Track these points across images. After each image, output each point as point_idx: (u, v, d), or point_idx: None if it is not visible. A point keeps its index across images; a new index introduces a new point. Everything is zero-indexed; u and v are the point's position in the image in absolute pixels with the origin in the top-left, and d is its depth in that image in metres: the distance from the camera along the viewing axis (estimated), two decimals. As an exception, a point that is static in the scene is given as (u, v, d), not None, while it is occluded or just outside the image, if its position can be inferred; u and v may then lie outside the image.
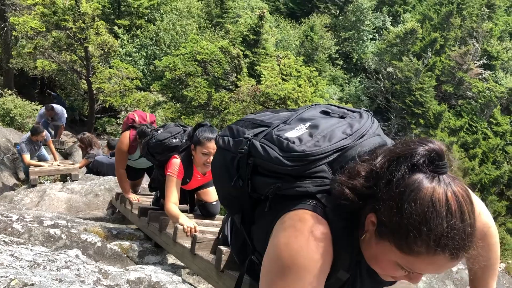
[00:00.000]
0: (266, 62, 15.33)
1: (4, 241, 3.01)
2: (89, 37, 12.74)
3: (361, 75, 25.56)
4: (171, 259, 3.78)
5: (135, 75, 14.58)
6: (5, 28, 15.56)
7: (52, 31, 12.86)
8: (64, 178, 8.27)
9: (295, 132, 1.35)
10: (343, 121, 1.38)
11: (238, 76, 15.01)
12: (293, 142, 1.30)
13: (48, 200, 6.34)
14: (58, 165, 8.14)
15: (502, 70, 24.68)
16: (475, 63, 23.30)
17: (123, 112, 15.96)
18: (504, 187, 18.27)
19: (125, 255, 3.68)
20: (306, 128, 1.36)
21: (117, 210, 5.75)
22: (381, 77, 23.47)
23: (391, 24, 27.91)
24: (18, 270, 2.27)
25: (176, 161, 3.53)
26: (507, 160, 19.66)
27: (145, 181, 5.93)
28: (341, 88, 24.33)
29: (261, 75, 13.65)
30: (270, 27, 22.10)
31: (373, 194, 1.15)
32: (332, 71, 24.67)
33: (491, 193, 17.59)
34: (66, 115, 11.49)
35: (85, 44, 12.87)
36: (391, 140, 1.40)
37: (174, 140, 3.86)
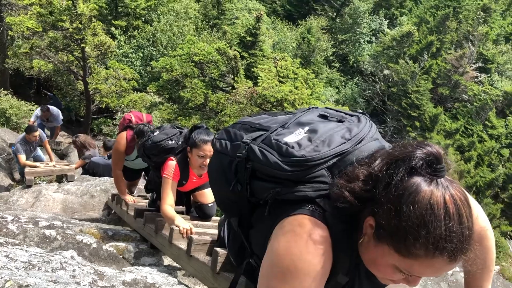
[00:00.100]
0: (263, 64, 15.34)
1: (-1, 242, 3.00)
2: (86, 37, 12.71)
3: (357, 78, 25.60)
4: (167, 261, 3.78)
5: (131, 76, 14.55)
6: (1, 28, 15.50)
7: (49, 31, 12.82)
8: (60, 178, 8.25)
9: (294, 137, 1.35)
10: (342, 125, 1.38)
11: (235, 78, 15.01)
12: (292, 147, 1.30)
13: (44, 201, 6.32)
14: (54, 166, 8.11)
15: (497, 74, 24.78)
16: (471, 66, 23.39)
17: (119, 113, 15.92)
18: (499, 190, 18.34)
19: (121, 257, 3.67)
20: (305, 133, 1.36)
21: (113, 211, 5.75)
22: (377, 79, 23.52)
23: (387, 27, 27.97)
24: (13, 271, 2.26)
25: (172, 163, 3.53)
26: (502, 163, 19.75)
27: (141, 182, 5.92)
28: (337, 90, 24.36)
29: (258, 77, 13.65)
30: (267, 29, 22.11)
31: (372, 197, 1.15)
32: (328, 74, 24.70)
33: (486, 196, 17.65)
34: (61, 116, 11.46)
35: (82, 45, 12.84)
36: (389, 144, 1.41)
37: (170, 142, 3.86)
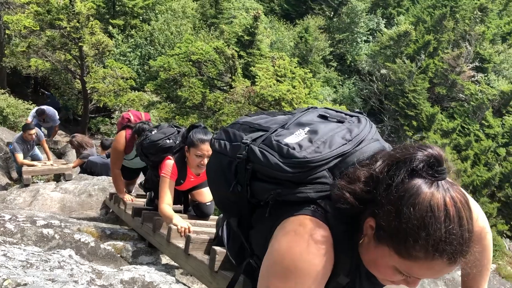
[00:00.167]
0: (261, 63, 15.34)
1: (-3, 241, 3.01)
2: (84, 36, 12.70)
3: (354, 77, 25.63)
4: (165, 259, 3.78)
5: (129, 75, 14.54)
6: (-2, 27, 15.49)
7: (46, 30, 12.81)
8: (58, 177, 8.25)
9: (295, 138, 1.35)
10: (342, 126, 1.38)
11: (233, 77, 15.02)
12: (293, 148, 1.30)
13: (41, 200, 6.32)
14: (52, 165, 8.11)
15: (494, 73, 24.83)
16: (467, 66, 23.44)
17: (117, 112, 15.90)
18: (495, 189, 18.38)
19: (119, 255, 3.68)
20: (305, 133, 1.35)
21: (110, 210, 5.74)
22: (374, 79, 23.55)
23: (385, 26, 28.00)
24: (11, 270, 2.27)
25: (169, 162, 3.54)
26: (499, 162, 19.79)
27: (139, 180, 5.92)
28: (335, 89, 24.38)
29: (256, 76, 13.66)
30: (265, 28, 22.12)
31: (373, 199, 1.15)
32: (326, 73, 24.72)
33: (482, 195, 17.69)
34: (58, 116, 11.42)
35: (80, 44, 12.83)
36: (389, 145, 1.42)
37: (168, 141, 3.87)
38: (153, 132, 4.01)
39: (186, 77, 15.12)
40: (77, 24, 12.41)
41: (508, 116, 21.67)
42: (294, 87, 12.64)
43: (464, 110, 22.33)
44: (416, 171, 1.11)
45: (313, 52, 23.46)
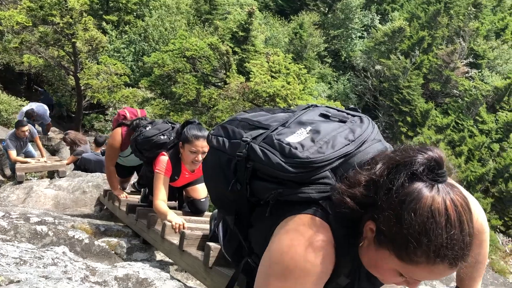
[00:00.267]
0: (255, 59, 15.32)
1: (-10, 238, 2.99)
2: (77, 32, 12.62)
3: (349, 73, 25.66)
4: (159, 256, 3.78)
5: (123, 71, 14.48)
6: (-9, 23, 15.35)
7: (39, 26, 12.72)
8: (51, 174, 8.21)
9: (296, 137, 1.33)
10: (344, 125, 1.36)
11: (227, 73, 14.98)
12: (296, 148, 1.28)
13: (35, 197, 6.29)
14: (45, 162, 8.08)
15: (488, 69, 24.94)
16: (461, 62, 23.52)
17: (111, 109, 15.84)
18: (489, 184, 18.50)
19: (113, 252, 3.66)
20: (307, 133, 1.34)
21: (105, 207, 5.73)
22: (369, 75, 23.59)
23: (379, 23, 28.04)
24: (4, 267, 2.25)
25: (164, 158, 3.52)
26: (493, 157, 19.91)
27: (133, 178, 5.90)
28: (329, 85, 24.40)
29: (250, 72, 13.63)
30: (259, 24, 22.08)
31: (373, 203, 1.14)
32: (320, 69, 24.73)
33: (476, 190, 17.80)
34: (48, 111, 11.32)
35: (73, 40, 12.76)
36: (391, 146, 1.41)
37: (162, 137, 3.86)
38: (147, 128, 4.00)
39: (180, 73, 15.07)
40: (70, 20, 12.33)
41: (502, 112, 21.79)
42: (288, 83, 12.63)
43: (458, 106, 22.43)
44: (417, 174, 1.09)
45: (308, 48, 23.45)
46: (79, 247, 3.46)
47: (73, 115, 16.48)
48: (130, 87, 15.72)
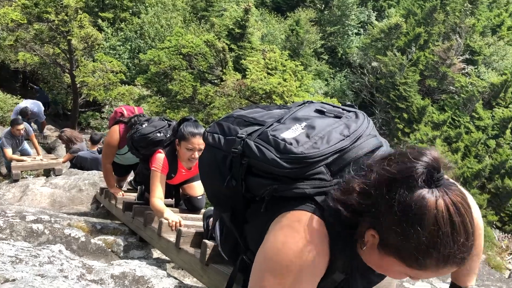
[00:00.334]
0: (252, 56, 15.29)
1: (-15, 236, 2.97)
2: (72, 30, 12.56)
3: (346, 70, 25.66)
4: (156, 254, 3.77)
5: (119, 68, 14.43)
6: (-15, 20, 15.24)
7: (34, 24, 12.65)
8: (48, 172, 8.18)
9: (291, 133, 1.33)
10: (339, 121, 1.36)
11: (224, 70, 14.95)
12: (290, 144, 1.28)
13: (31, 195, 6.27)
14: (41, 160, 8.04)
15: (484, 65, 24.98)
16: (458, 58, 23.55)
17: (107, 106, 15.80)
18: (485, 181, 18.55)
19: (110, 250, 3.65)
20: (302, 129, 1.34)
21: (101, 205, 5.71)
22: (365, 71, 23.60)
23: (375, 19, 28.03)
24: None
25: (160, 156, 3.52)
26: (489, 154, 19.96)
27: (129, 176, 5.89)
28: (326, 82, 24.40)
29: (247, 69, 13.61)
30: (256, 21, 22.04)
31: (370, 211, 1.13)
32: (317, 66, 24.72)
33: (473, 186, 17.85)
34: (42, 108, 11.24)
35: (68, 37, 12.69)
36: (386, 141, 1.40)
37: (158, 134, 3.84)
38: (143, 126, 3.98)
39: (176, 70, 15.03)
40: (65, 17, 12.27)
41: (498, 108, 21.84)
42: (285, 80, 12.61)
43: (454, 102, 22.47)
44: (416, 186, 1.08)
45: (304, 45, 23.43)
46: (75, 245, 3.45)
47: (69, 113, 16.43)
48: (126, 85, 15.67)
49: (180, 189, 4.04)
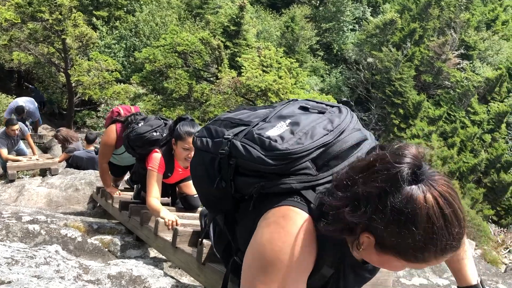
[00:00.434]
0: (247, 53, 15.28)
1: (-19, 238, 2.96)
2: (67, 29, 12.50)
3: (341, 66, 25.67)
4: (153, 253, 3.77)
5: (114, 67, 14.38)
6: (-21, 20, 15.15)
7: (28, 23, 12.58)
8: (44, 172, 8.15)
9: (276, 130, 1.34)
10: (323, 116, 1.38)
11: (219, 68, 14.93)
12: (275, 141, 1.29)
13: (27, 195, 6.24)
14: (37, 160, 8.01)
15: (479, 60, 25.05)
16: (453, 53, 23.60)
17: (103, 105, 15.76)
18: (481, 175, 18.63)
19: (106, 250, 3.65)
20: (287, 126, 1.35)
21: (98, 204, 5.70)
22: (361, 67, 23.61)
23: (370, 15, 28.04)
24: (-4, 268, 2.24)
25: (157, 155, 3.51)
26: (484, 148, 20.04)
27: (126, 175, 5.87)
28: (322, 79, 24.40)
29: (242, 67, 13.60)
30: (251, 18, 22.01)
31: (363, 220, 1.13)
32: (313, 62, 24.71)
33: (469, 181, 17.93)
34: (37, 105, 11.18)
35: (63, 36, 12.63)
36: (370, 133, 1.42)
37: (154, 133, 3.83)
38: (139, 125, 3.96)
39: (172, 68, 15.01)
40: (60, 16, 12.20)
41: (493, 103, 21.92)
42: (280, 77, 12.61)
43: (450, 97, 22.52)
44: (403, 186, 1.09)
45: (300, 41, 23.42)
46: (72, 246, 3.45)
47: (65, 112, 16.36)
48: (122, 83, 15.63)
49: (177, 188, 4.04)
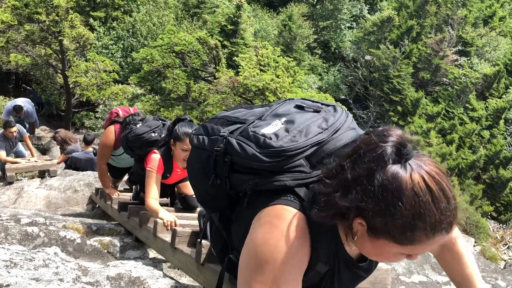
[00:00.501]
0: (244, 52, 15.27)
1: (-20, 241, 2.96)
2: (64, 30, 12.49)
3: (339, 64, 25.67)
4: (153, 254, 3.76)
5: (112, 67, 14.37)
6: (-25, 22, 15.12)
7: (25, 24, 12.58)
8: (42, 174, 8.15)
9: (271, 128, 1.36)
10: (318, 115, 1.40)
11: (217, 67, 14.92)
12: (270, 138, 1.31)
13: (26, 197, 6.24)
14: (36, 161, 8.01)
15: (476, 56, 25.06)
16: (450, 50, 23.61)
17: (101, 106, 15.74)
18: (480, 171, 18.64)
19: (106, 251, 3.65)
20: (282, 124, 1.37)
21: (97, 205, 5.70)
22: (359, 65, 23.62)
23: (368, 12, 28.04)
24: (-5, 271, 2.23)
25: (155, 156, 3.51)
26: (483, 144, 20.04)
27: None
28: (320, 77, 24.41)
29: (239, 66, 13.60)
30: (248, 17, 21.99)
31: (353, 204, 1.14)
32: (311, 60, 24.71)
33: (468, 177, 17.93)
34: (33, 105, 11.16)
35: (60, 37, 12.62)
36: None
37: (153, 134, 3.83)
38: (137, 125, 3.96)
39: (169, 68, 14.99)
40: (56, 18, 12.19)
41: (491, 99, 21.92)
42: (277, 76, 12.61)
43: (448, 94, 22.53)
44: (388, 164, 1.11)
45: (297, 40, 23.41)
46: (71, 247, 3.44)
47: (63, 114, 16.35)
48: (120, 84, 15.61)
49: (176, 188, 4.04)
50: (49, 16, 12.12)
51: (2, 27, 12.48)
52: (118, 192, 4.79)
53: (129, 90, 15.21)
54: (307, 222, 1.22)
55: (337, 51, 26.76)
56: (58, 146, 8.98)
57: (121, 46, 19.46)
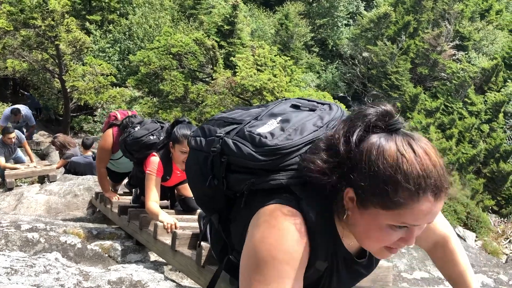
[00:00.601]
0: (241, 52, 15.26)
1: (-20, 248, 2.95)
2: (60, 34, 12.47)
3: (337, 61, 25.66)
4: (153, 257, 3.76)
5: (109, 71, 14.34)
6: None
7: (21, 30, 12.54)
8: (42, 179, 8.14)
9: (267, 127, 1.37)
10: (314, 113, 1.41)
11: (214, 68, 14.91)
12: (265, 137, 1.32)
13: (26, 203, 6.23)
14: (35, 167, 8.00)
15: (474, 51, 25.06)
16: (448, 45, 23.61)
17: (99, 110, 15.72)
18: (480, 165, 18.61)
19: (107, 255, 3.64)
20: (278, 123, 1.38)
21: (97, 210, 5.69)
22: (357, 62, 23.62)
23: (364, 9, 28.04)
24: (-5, 278, 2.23)
25: (155, 159, 3.50)
26: (483, 138, 20.04)
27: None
28: (318, 75, 24.40)
29: (236, 66, 13.59)
30: (245, 17, 21.98)
31: (340, 167, 1.18)
32: (308, 59, 24.71)
33: (468, 172, 17.91)
34: (33, 118, 11.18)
35: (56, 42, 12.59)
36: None
37: (151, 137, 3.82)
38: (136, 129, 3.95)
39: (167, 70, 14.98)
40: (52, 22, 12.16)
41: (490, 93, 21.92)
42: (275, 75, 12.59)
43: (446, 89, 22.52)
44: (372, 126, 1.16)
45: (295, 38, 23.40)
46: (72, 252, 3.44)
47: (61, 118, 16.33)
48: (117, 87, 15.59)
49: (175, 191, 4.03)
50: (45, 21, 12.09)
51: (-2, 33, 12.47)
52: (118, 196, 4.79)
53: (127, 93, 15.19)
54: (304, 220, 1.22)
55: (334, 48, 26.75)
56: (57, 151, 8.96)
57: (118, 49, 19.45)
